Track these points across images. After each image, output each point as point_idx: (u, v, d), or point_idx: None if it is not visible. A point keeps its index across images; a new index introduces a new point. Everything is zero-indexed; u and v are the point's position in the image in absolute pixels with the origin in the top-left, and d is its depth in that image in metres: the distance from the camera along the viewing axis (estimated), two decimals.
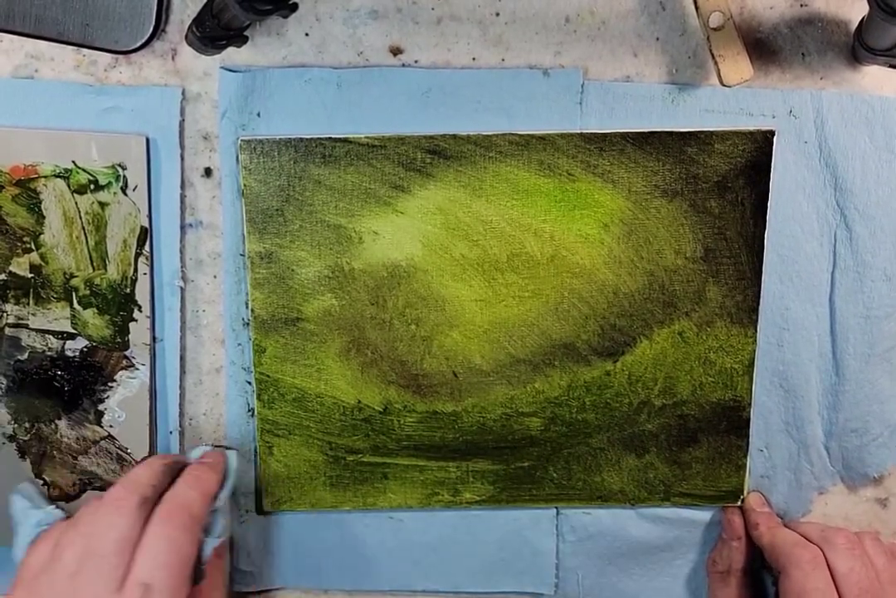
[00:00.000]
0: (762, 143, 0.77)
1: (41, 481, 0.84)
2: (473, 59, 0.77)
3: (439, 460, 0.84)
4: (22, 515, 0.78)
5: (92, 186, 0.78)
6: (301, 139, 0.77)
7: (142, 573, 0.68)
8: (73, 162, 0.77)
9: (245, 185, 0.78)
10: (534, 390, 0.82)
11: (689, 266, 0.79)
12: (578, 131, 0.77)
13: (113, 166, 0.78)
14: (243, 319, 0.81)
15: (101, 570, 0.68)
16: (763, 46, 0.77)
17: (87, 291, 0.80)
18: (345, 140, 0.77)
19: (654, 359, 0.81)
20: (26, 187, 0.78)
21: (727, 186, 0.78)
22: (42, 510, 0.77)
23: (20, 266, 0.79)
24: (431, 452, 0.83)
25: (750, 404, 0.82)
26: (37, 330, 0.80)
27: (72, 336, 0.81)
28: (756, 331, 0.81)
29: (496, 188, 0.78)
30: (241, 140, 0.77)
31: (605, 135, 0.77)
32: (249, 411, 0.83)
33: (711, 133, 0.77)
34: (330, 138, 0.77)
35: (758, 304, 0.80)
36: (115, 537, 0.69)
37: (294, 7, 0.70)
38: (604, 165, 0.77)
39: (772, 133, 0.77)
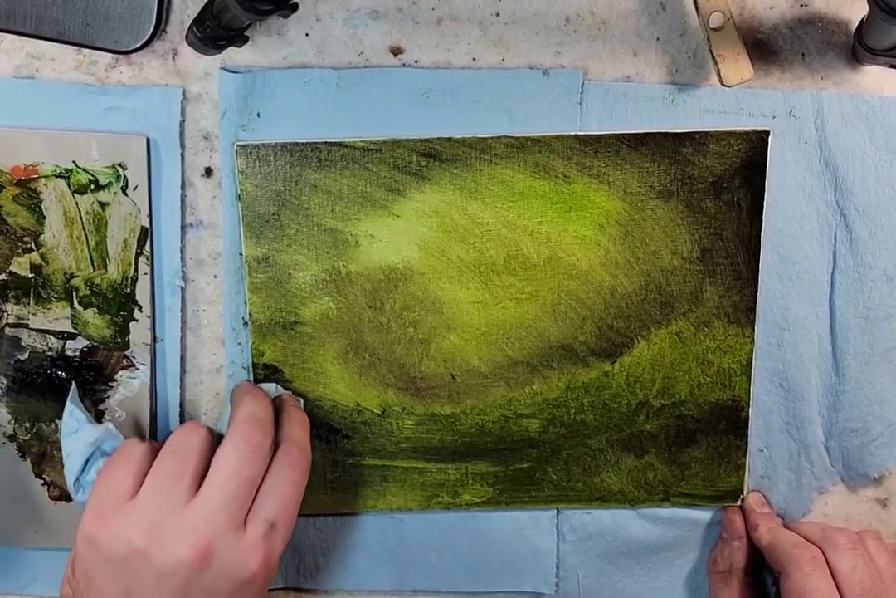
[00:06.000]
0: (757, 143, 0.77)
1: (41, 481, 0.84)
2: (473, 59, 0.77)
3: (438, 463, 0.84)
4: (73, 426, 0.78)
5: (92, 186, 0.78)
6: (297, 143, 0.77)
7: (268, 511, 0.72)
8: (74, 162, 0.78)
9: (241, 189, 0.78)
10: (532, 391, 0.82)
11: (686, 267, 0.79)
12: (573, 133, 0.77)
13: (113, 166, 0.78)
14: (243, 318, 0.81)
15: (228, 507, 0.70)
16: (763, 47, 0.77)
17: (88, 291, 0.80)
18: (340, 144, 0.77)
19: (651, 360, 0.81)
20: (27, 187, 0.78)
21: (723, 186, 0.78)
22: (95, 426, 0.78)
23: (21, 266, 0.79)
24: (430, 454, 0.83)
25: (748, 404, 0.82)
26: (37, 330, 0.81)
27: (72, 336, 0.81)
28: (754, 331, 0.81)
29: (492, 191, 0.78)
30: (238, 145, 0.77)
31: (599, 136, 0.77)
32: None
33: (706, 134, 0.77)
34: (325, 142, 0.77)
35: (755, 304, 0.80)
36: (248, 477, 0.71)
37: (294, 7, 0.70)
38: (599, 167, 0.77)
39: (766, 133, 0.77)
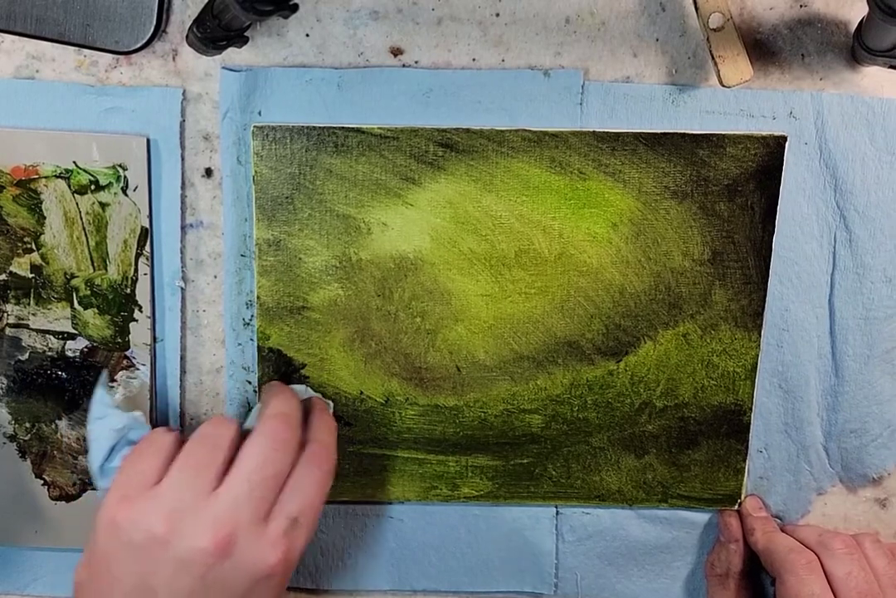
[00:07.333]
0: (774, 147, 0.77)
1: (41, 481, 0.84)
2: (474, 59, 0.77)
3: (439, 454, 0.84)
4: (101, 411, 0.78)
5: (93, 187, 0.78)
6: (314, 127, 0.77)
7: (291, 508, 0.71)
8: (74, 162, 0.77)
9: (256, 171, 0.78)
10: (536, 387, 0.82)
11: (696, 268, 0.79)
12: (591, 130, 0.77)
13: (114, 167, 0.78)
14: (244, 319, 0.81)
15: (251, 499, 0.70)
16: (763, 47, 0.77)
17: (88, 292, 0.80)
18: (358, 130, 0.77)
19: (657, 360, 0.81)
20: (27, 188, 0.78)
21: (737, 189, 0.78)
22: (123, 414, 0.77)
23: (21, 266, 0.79)
24: (431, 445, 0.84)
25: (751, 409, 0.83)
26: (37, 330, 0.80)
27: (72, 336, 0.81)
28: (760, 336, 0.81)
29: (507, 184, 0.78)
30: (255, 126, 0.77)
31: (617, 134, 0.77)
32: (249, 411, 0.83)
33: (723, 136, 0.77)
34: (343, 127, 0.77)
35: (763, 308, 0.80)
36: (273, 472, 0.71)
37: (295, 8, 0.70)
38: (615, 165, 0.77)
39: (784, 138, 0.77)
